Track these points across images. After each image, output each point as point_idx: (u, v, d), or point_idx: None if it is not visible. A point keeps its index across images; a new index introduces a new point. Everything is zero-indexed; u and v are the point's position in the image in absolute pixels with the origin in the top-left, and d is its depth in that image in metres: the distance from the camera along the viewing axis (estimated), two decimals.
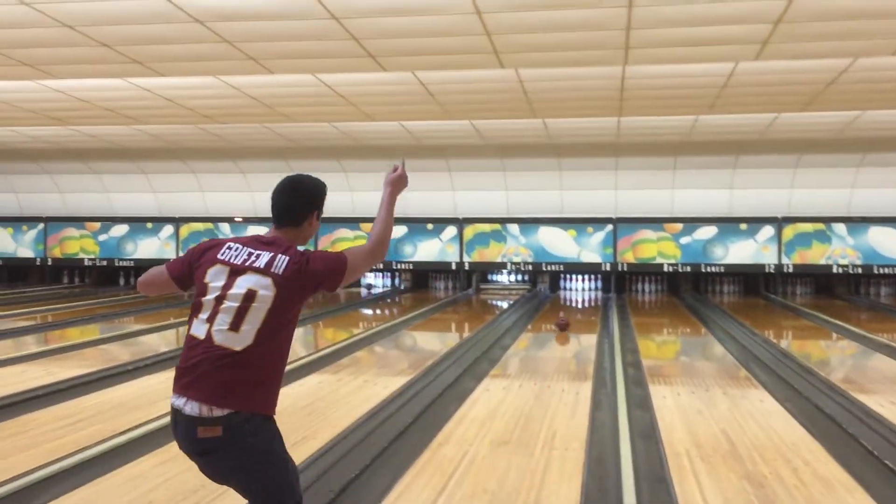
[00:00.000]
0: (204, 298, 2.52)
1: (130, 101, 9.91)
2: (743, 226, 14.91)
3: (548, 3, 6.04)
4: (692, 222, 15.04)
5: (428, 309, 12.78)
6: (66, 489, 3.82)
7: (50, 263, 16.99)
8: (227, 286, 2.49)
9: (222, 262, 2.54)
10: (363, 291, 16.09)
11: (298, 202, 2.64)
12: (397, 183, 2.82)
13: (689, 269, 15.14)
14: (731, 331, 10.08)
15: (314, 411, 5.47)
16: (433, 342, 9.81)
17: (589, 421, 5.19)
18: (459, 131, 12.26)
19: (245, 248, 2.56)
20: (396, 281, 16.81)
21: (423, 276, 16.70)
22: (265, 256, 2.52)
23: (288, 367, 7.07)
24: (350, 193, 15.75)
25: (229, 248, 2.57)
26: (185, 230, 16.39)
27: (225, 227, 16.34)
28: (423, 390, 6.23)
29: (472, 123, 11.65)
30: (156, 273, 2.73)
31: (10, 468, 4.11)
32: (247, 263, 2.51)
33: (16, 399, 5.75)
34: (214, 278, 2.53)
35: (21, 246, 16.92)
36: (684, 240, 15.08)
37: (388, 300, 14.76)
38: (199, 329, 2.49)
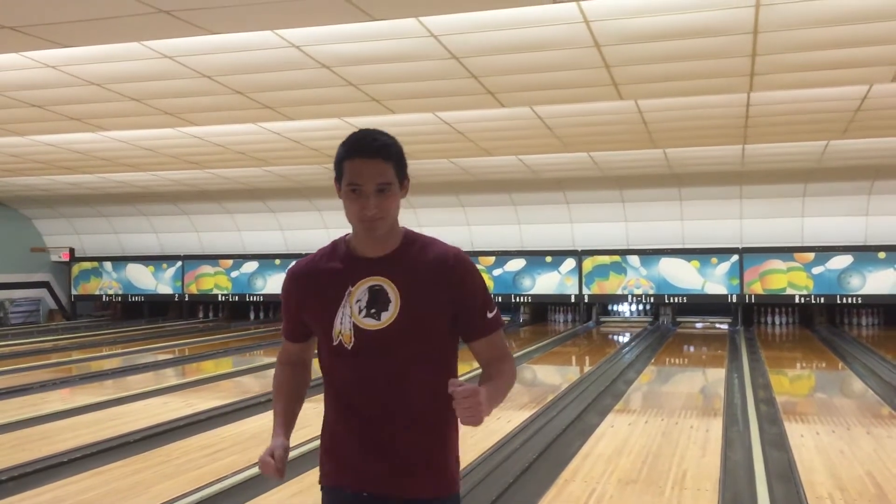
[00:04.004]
0: None
1: (261, 144, 10.42)
2: (881, 254, 14.09)
3: (668, 33, 5.98)
4: (825, 251, 14.35)
5: (548, 342, 12.69)
6: None
7: (187, 299, 17.92)
8: None
9: None
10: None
11: None
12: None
13: (822, 300, 14.42)
14: (872, 365, 9.51)
15: None
16: (554, 376, 9.73)
17: (721, 460, 5.02)
18: (577, 163, 12.21)
19: None
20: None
21: (541, 309, 16.61)
22: None
23: None
24: (468, 227, 15.92)
25: None
26: None
27: None
28: (546, 425, 6.19)
29: (589, 155, 11.59)
30: None
31: (158, 496, 4.35)
32: None
33: (160, 429, 6.08)
34: None
35: (161, 283, 17.94)
36: (816, 270, 14.39)
37: (508, 333, 14.75)
38: None
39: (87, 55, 6.59)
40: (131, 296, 18.12)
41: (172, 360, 11.24)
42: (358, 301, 1.90)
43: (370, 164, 1.86)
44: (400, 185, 1.92)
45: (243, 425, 6.24)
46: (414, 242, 1.97)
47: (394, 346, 1.88)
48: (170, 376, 9.67)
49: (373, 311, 1.89)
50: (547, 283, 15.81)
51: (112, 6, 5.30)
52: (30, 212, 17.70)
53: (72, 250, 18.29)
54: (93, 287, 18.33)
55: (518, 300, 16.03)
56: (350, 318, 1.90)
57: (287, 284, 2.04)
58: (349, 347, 1.90)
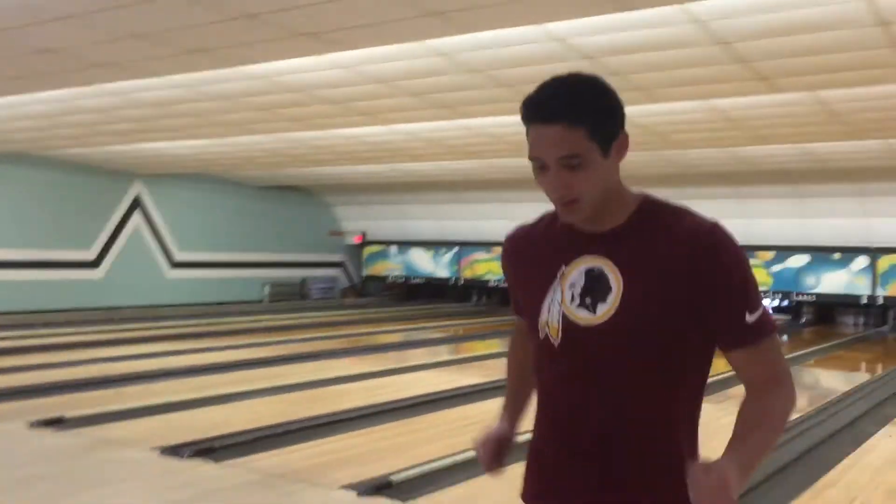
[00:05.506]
0: None
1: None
2: None
3: None
4: None
5: (831, 345, 11.78)
6: (458, 480, 4.35)
7: (461, 283, 18.91)
8: None
9: None
10: None
11: None
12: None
13: None
14: None
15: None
16: (832, 380, 9.04)
17: None
18: (870, 152, 11.13)
19: None
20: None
21: (827, 310, 15.34)
22: None
23: None
24: (744, 220, 15.12)
25: None
26: None
27: None
28: (812, 428, 5.84)
29: (887, 143, 10.52)
30: None
31: (418, 456, 4.79)
32: None
33: (425, 399, 6.62)
34: None
35: (439, 267, 19.09)
36: None
37: (788, 333, 13.83)
38: None
39: (373, 56, 7.27)
40: (412, 278, 19.48)
41: (444, 338, 12.01)
42: (571, 286, 1.46)
43: (549, 131, 1.37)
44: (605, 151, 1.40)
45: (496, 403, 6.57)
46: (654, 213, 1.48)
47: (610, 350, 1.42)
48: (441, 353, 10.38)
49: (587, 300, 1.44)
50: (834, 281, 14.60)
51: (393, 11, 5.81)
52: (330, 198, 19.66)
53: (364, 234, 20.03)
54: (380, 269, 19.95)
55: (800, 299, 14.96)
56: (560, 305, 1.46)
57: (502, 253, 1.69)
58: (556, 344, 1.47)
